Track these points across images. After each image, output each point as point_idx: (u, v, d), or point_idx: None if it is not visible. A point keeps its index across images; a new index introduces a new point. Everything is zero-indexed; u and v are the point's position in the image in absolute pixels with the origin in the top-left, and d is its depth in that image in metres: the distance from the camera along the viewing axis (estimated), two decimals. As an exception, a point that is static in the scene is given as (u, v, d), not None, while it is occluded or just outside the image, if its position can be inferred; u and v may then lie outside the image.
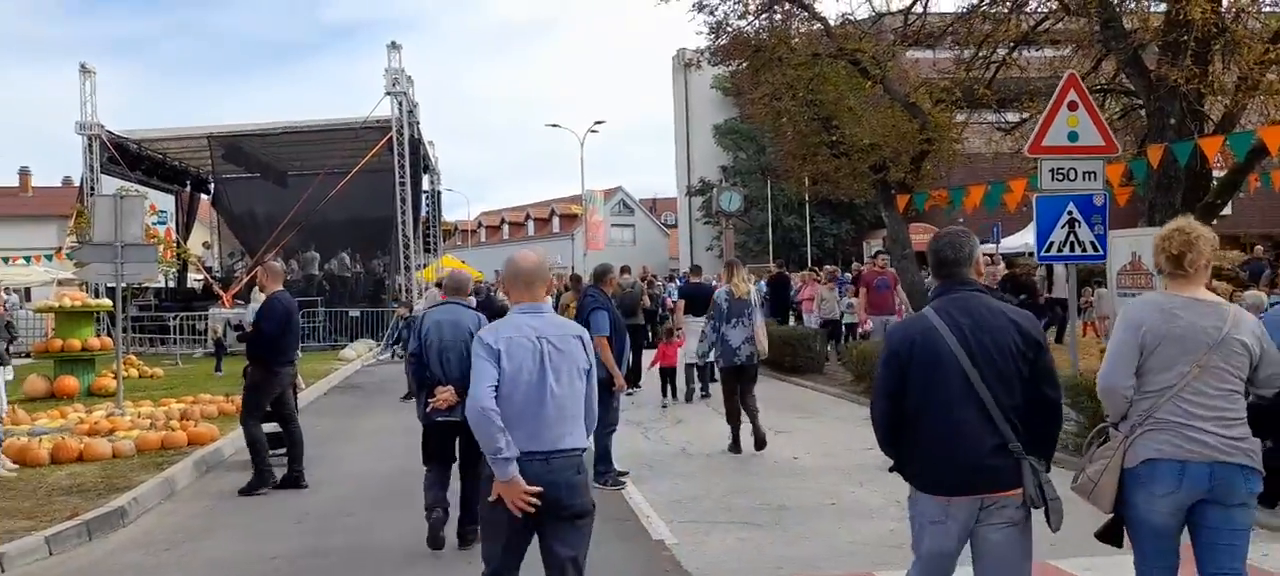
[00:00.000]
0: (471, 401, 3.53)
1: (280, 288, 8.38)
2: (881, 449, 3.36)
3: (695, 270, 14.67)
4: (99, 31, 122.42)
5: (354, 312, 23.52)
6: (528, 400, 3.53)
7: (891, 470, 3.36)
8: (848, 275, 17.91)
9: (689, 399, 12.26)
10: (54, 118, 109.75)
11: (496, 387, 3.50)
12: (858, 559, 5.45)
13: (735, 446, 8.64)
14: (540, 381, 3.55)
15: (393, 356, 19.01)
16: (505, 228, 65.17)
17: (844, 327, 15.32)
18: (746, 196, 38.04)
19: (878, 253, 15.15)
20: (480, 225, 67.65)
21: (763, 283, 18.89)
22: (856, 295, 15.11)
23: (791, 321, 17.25)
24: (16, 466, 8.24)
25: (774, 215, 37.42)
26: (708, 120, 44.70)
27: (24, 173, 43.61)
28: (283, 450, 8.25)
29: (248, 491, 7.83)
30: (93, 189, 23.70)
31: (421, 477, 7.67)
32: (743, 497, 7.01)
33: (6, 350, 10.86)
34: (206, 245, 30.32)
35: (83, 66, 24.49)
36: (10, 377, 10.15)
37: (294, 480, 8.00)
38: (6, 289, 24.08)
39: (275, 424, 8.28)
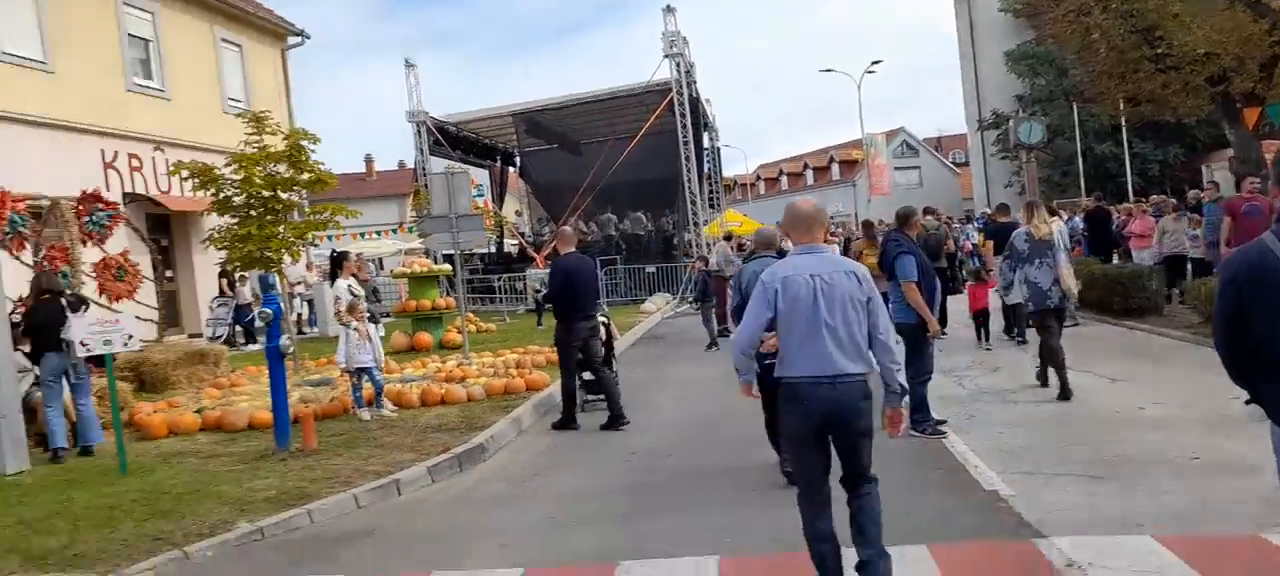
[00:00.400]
0: (738, 334, 4.21)
1: (571, 249, 9.16)
2: (1232, 381, 3.09)
3: (1002, 209, 13.76)
4: (407, 29, 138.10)
5: (650, 268, 24.93)
6: (808, 330, 3.92)
7: (1248, 403, 3.06)
8: (1185, 206, 15.78)
9: (1009, 334, 11.83)
10: (385, 108, 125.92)
11: (771, 325, 4.00)
12: (1238, 519, 4.81)
13: (1064, 393, 8.07)
14: (814, 314, 3.91)
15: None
16: (783, 179, 64.92)
17: (1190, 263, 13.54)
18: (1049, 126, 34.61)
19: (1246, 176, 13.22)
20: (758, 178, 67.96)
21: (1077, 218, 17.26)
22: (1198, 226, 13.31)
23: (1115, 259, 15.57)
24: (396, 408, 9.71)
25: (1083, 144, 33.77)
26: (997, 47, 41.07)
27: (369, 160, 50.60)
28: (600, 396, 9.00)
29: (558, 426, 8.80)
30: (423, 170, 26.94)
31: (728, 421, 8.09)
32: (1080, 448, 6.52)
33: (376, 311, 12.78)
34: (518, 213, 33.35)
35: (407, 62, 27.75)
36: (383, 334, 11.90)
37: (615, 421, 8.67)
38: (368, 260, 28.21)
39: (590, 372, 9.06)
